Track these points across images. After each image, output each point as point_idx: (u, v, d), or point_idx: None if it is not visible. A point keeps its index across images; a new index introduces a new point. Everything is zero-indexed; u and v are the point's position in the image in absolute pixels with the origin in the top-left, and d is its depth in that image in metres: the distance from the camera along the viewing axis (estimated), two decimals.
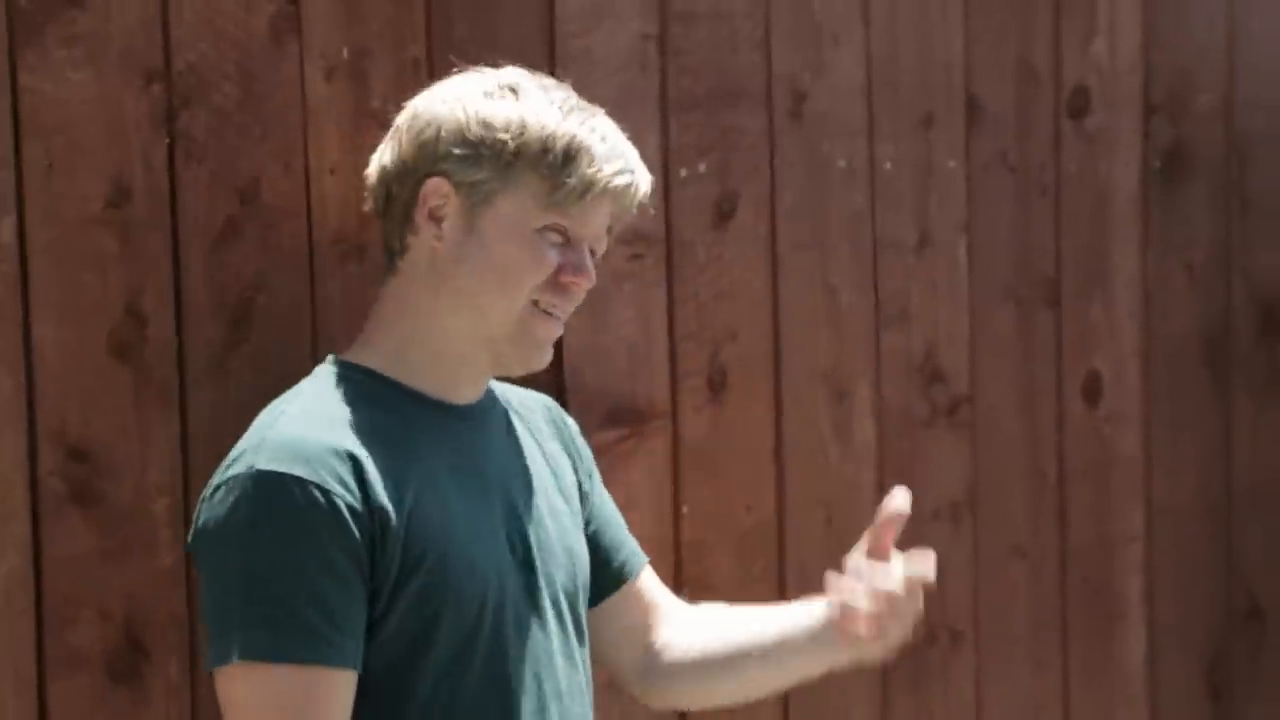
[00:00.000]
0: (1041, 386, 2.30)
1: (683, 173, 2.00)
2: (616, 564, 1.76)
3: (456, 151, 1.54)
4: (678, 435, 2.02)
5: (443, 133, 1.55)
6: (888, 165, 2.16)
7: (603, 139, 1.57)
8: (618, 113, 1.90)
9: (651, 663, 1.78)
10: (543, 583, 1.59)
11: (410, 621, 1.49)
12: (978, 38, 2.22)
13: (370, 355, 1.58)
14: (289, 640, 1.43)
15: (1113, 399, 2.35)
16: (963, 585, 2.22)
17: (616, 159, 1.57)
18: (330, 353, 1.70)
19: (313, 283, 1.75)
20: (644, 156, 1.89)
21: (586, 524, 1.73)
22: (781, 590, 2.09)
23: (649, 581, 1.81)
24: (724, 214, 2.06)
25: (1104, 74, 2.32)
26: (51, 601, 1.61)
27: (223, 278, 1.70)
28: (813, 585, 2.04)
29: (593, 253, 1.62)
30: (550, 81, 1.61)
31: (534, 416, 1.73)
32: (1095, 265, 2.33)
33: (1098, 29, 2.31)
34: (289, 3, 1.72)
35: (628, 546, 1.79)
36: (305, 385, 1.57)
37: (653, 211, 1.87)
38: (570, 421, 1.77)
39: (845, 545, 2.04)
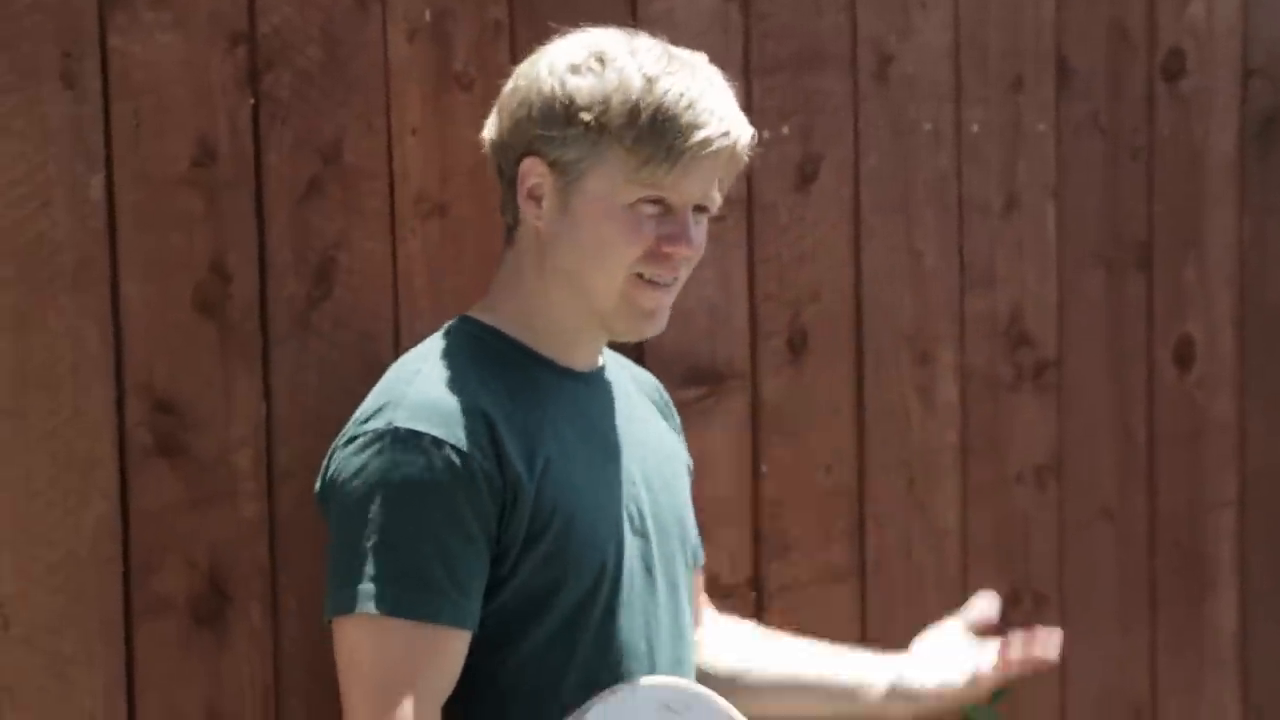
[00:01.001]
0: (1131, 351, 2.25)
1: (765, 135, 1.93)
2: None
3: (546, 131, 1.49)
4: (757, 395, 1.99)
5: (534, 111, 1.51)
6: (975, 128, 2.12)
7: (689, 104, 1.49)
8: None
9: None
10: (656, 553, 1.57)
11: (533, 583, 1.49)
12: (1072, 1, 2.17)
13: (497, 317, 1.56)
14: (412, 596, 1.43)
15: (1205, 364, 2.29)
16: (1047, 548, 2.19)
17: (704, 123, 1.49)
18: (410, 311, 1.69)
19: (394, 241, 1.73)
20: None
21: None
22: (861, 551, 2.06)
23: (699, 581, 1.78)
24: (806, 176, 2.01)
25: (1200, 36, 2.26)
26: (138, 549, 1.60)
27: (305, 236, 1.68)
28: (890, 547, 2.08)
29: (705, 210, 1.56)
30: (644, 42, 1.53)
31: (643, 387, 1.71)
32: (1189, 229, 2.27)
33: None
34: None
35: (695, 535, 1.75)
36: (438, 343, 1.54)
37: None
38: (672, 403, 1.77)
39: (925, 508, 2.10)
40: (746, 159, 1.59)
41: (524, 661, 1.50)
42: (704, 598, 1.81)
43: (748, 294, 2.00)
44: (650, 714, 1.47)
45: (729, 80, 1.79)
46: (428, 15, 1.72)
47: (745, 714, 1.69)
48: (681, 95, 1.49)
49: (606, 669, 1.53)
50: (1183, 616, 2.35)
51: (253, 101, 1.64)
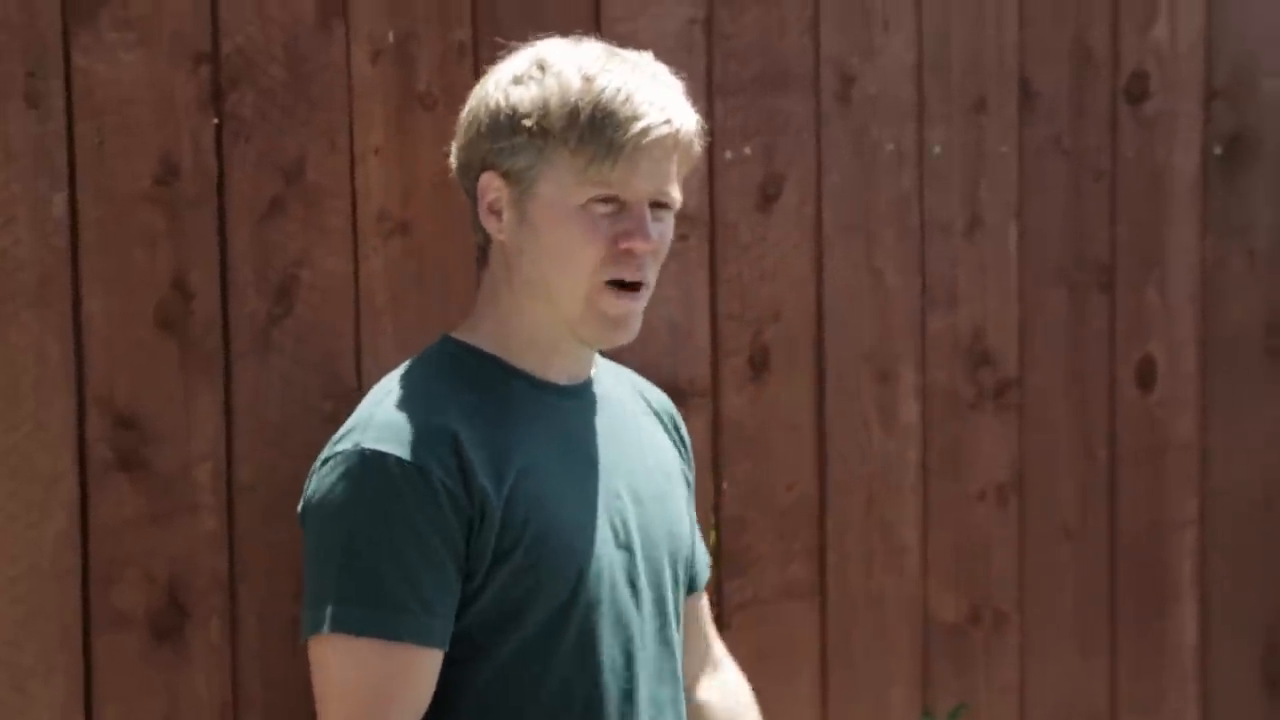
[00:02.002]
0: (1093, 370, 2.25)
1: (728, 155, 1.96)
2: (690, 573, 1.73)
3: (495, 144, 1.50)
4: (719, 413, 1.99)
5: (483, 127, 1.52)
6: (937, 149, 2.12)
7: (627, 98, 1.49)
8: None
9: (690, 711, 1.73)
10: (641, 566, 1.57)
11: (504, 598, 1.49)
12: (1032, 20, 2.17)
13: (476, 335, 1.56)
14: (379, 617, 1.43)
15: (1167, 384, 2.29)
16: (1008, 566, 2.19)
17: (643, 114, 1.49)
18: (371, 328, 1.71)
19: (356, 259, 1.74)
20: None
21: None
22: (821, 569, 2.06)
23: (705, 607, 1.78)
24: (769, 196, 2.02)
25: (1164, 58, 2.25)
26: (97, 562, 1.62)
27: (267, 254, 1.69)
28: (851, 565, 2.08)
29: (665, 206, 1.55)
30: (587, 46, 1.54)
31: (647, 400, 1.71)
32: (1151, 250, 2.27)
33: (1158, 12, 2.25)
34: None
35: (701, 559, 1.74)
36: (414, 364, 1.55)
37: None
38: (683, 424, 1.76)
39: (886, 526, 2.10)
40: (699, 150, 1.57)
41: (500, 673, 1.50)
42: (712, 630, 1.79)
43: (709, 312, 2.00)
44: None
45: (692, 98, 1.80)
46: (391, 36, 1.74)
47: None
48: (619, 90, 1.49)
49: (585, 682, 1.53)
50: (1143, 634, 2.33)
51: (216, 120, 1.66)
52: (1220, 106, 2.31)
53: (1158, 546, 2.31)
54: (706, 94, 1.95)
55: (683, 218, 1.86)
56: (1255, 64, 2.33)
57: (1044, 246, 2.21)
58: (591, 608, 1.52)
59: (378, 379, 1.67)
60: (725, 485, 2.00)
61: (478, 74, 1.77)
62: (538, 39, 1.58)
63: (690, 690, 1.73)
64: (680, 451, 1.75)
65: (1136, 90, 2.25)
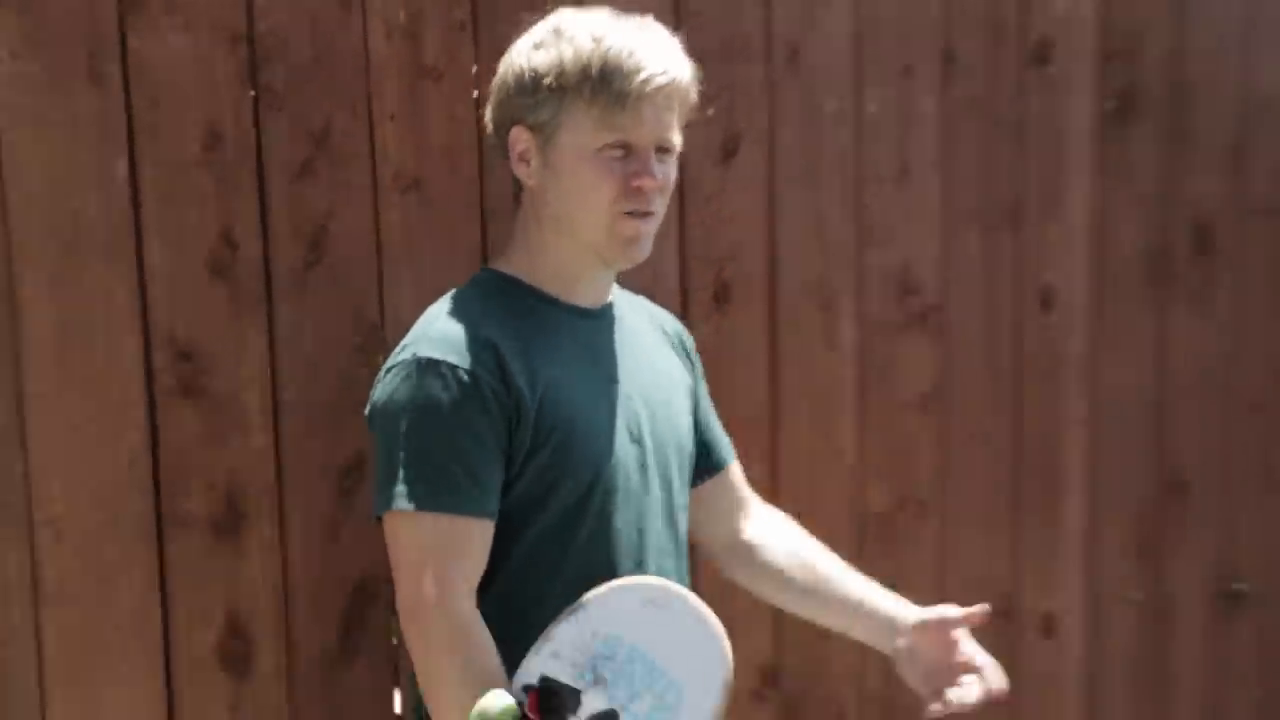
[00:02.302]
0: (1002, 297, 2.24)
1: (692, 116, 1.91)
2: (712, 455, 1.77)
3: (522, 101, 1.52)
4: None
5: (510, 88, 1.54)
6: (872, 108, 2.10)
7: (630, 53, 1.50)
8: None
9: (743, 552, 1.79)
10: (651, 456, 1.60)
11: (536, 482, 1.51)
12: None
13: (511, 266, 1.59)
14: (438, 493, 1.46)
15: (1064, 307, 2.28)
16: (929, 463, 2.20)
17: (645, 66, 1.50)
18: (391, 272, 1.74)
19: (376, 212, 1.76)
20: None
21: (699, 417, 1.74)
22: (774, 466, 2.07)
23: (737, 476, 1.81)
24: (728, 152, 2.01)
25: (1064, 27, 2.22)
26: (166, 474, 1.66)
27: (301, 208, 1.71)
28: (798, 463, 2.10)
29: (667, 150, 1.56)
30: (595, 12, 1.55)
31: (657, 323, 1.73)
32: (1052, 193, 2.25)
33: None
34: None
35: (721, 443, 1.79)
36: (460, 291, 1.58)
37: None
38: (690, 341, 1.78)
39: (827, 431, 2.13)
40: (695, 98, 1.57)
41: (533, 545, 1.53)
42: (748, 489, 1.82)
43: (679, 254, 1.99)
44: (636, 607, 1.46)
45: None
46: (402, 17, 1.73)
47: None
48: (624, 48, 1.50)
49: (603, 549, 1.56)
50: (1039, 518, 2.34)
51: (253, 93, 1.67)
52: (1111, 68, 2.27)
53: (1053, 444, 2.31)
54: None
55: None
56: (1141, 32, 2.29)
57: (961, 192, 2.19)
58: (609, 493, 1.55)
59: (398, 315, 1.73)
60: None
61: (477, 49, 1.80)
62: (531, 18, 1.57)
63: (735, 539, 1.80)
64: (688, 366, 1.77)
65: (1041, 55, 2.22)
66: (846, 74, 2.09)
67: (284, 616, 1.72)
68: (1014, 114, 2.21)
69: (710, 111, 1.92)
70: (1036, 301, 2.27)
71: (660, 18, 1.88)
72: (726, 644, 1.44)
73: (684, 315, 1.97)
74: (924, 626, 1.66)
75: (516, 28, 1.58)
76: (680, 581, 1.64)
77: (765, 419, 2.08)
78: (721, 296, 2.04)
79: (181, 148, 1.63)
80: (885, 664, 2.12)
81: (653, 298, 1.91)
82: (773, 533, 1.81)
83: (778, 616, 2.04)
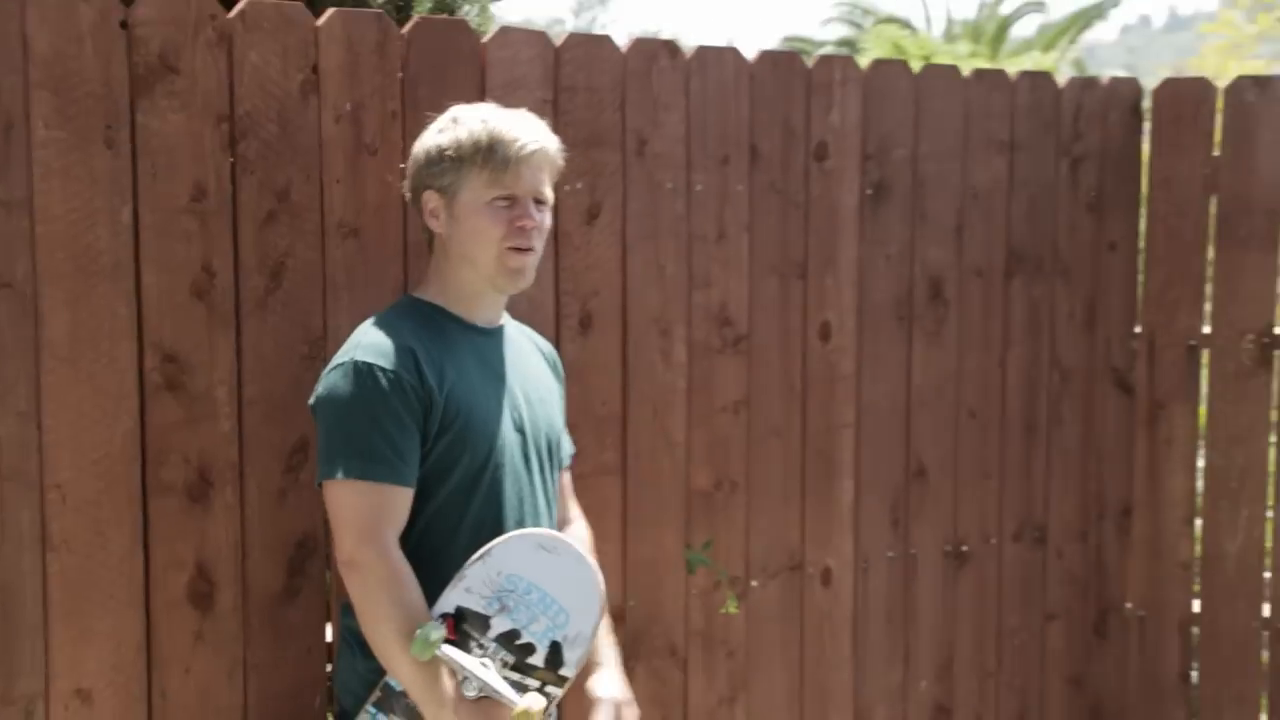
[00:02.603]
0: (793, 329, 2.33)
1: (566, 188, 2.02)
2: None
3: (430, 171, 1.61)
4: (560, 356, 1.99)
5: (421, 163, 1.63)
6: (699, 187, 2.18)
7: (510, 129, 1.59)
8: None
9: None
10: (530, 442, 1.66)
11: (443, 457, 1.56)
12: (758, 107, 2.24)
13: (427, 293, 1.66)
14: (370, 466, 1.51)
15: (837, 338, 2.39)
16: (739, 453, 2.27)
17: (521, 138, 1.59)
18: (332, 298, 1.78)
19: (324, 253, 1.80)
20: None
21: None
22: (623, 456, 2.13)
23: (566, 480, 1.82)
24: (592, 215, 2.07)
25: (837, 134, 2.34)
26: (151, 450, 1.69)
27: (265, 249, 1.76)
28: (642, 453, 2.16)
29: (543, 201, 1.62)
30: (485, 105, 1.65)
31: (538, 347, 1.80)
32: (828, 254, 2.36)
33: (833, 105, 2.34)
34: (313, 72, 1.77)
35: (566, 448, 1.81)
36: (387, 311, 1.64)
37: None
38: (559, 360, 1.83)
39: (665, 429, 2.19)
40: (561, 164, 1.65)
41: (438, 509, 1.58)
42: (571, 497, 1.82)
43: (554, 290, 2.04)
44: (531, 552, 1.52)
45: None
46: (348, 106, 1.80)
47: None
48: (506, 127, 1.60)
49: (492, 515, 1.61)
50: (820, 496, 2.39)
51: (231, 160, 1.72)
52: (870, 165, 2.39)
53: (830, 440, 2.38)
54: None
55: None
56: (890, 140, 2.41)
57: (764, 250, 2.27)
58: (498, 468, 1.61)
59: (337, 331, 1.77)
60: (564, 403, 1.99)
61: (404, 131, 1.86)
62: (442, 109, 1.67)
63: (562, 529, 1.80)
64: (558, 379, 1.82)
65: (820, 153, 2.33)
66: (680, 160, 2.16)
67: (241, 564, 1.75)
68: (801, 195, 2.31)
69: (579, 185, 2.05)
70: (818, 334, 2.36)
71: (542, 114, 1.90)
72: (600, 577, 1.54)
73: (557, 336, 2.04)
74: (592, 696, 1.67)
75: (432, 118, 1.67)
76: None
77: (618, 417, 2.13)
78: (586, 323, 2.08)
79: (174, 199, 1.67)
80: (706, 608, 2.28)
81: (534, 322, 1.98)
82: (573, 522, 1.81)
83: (625, 570, 2.16)
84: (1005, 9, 16.22)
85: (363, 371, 1.53)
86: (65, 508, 1.62)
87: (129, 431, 1.65)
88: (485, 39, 1.96)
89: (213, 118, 1.69)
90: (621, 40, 2.11)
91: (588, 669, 1.70)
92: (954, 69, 2.54)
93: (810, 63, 2.32)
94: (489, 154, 1.58)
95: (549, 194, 1.65)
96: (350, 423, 1.53)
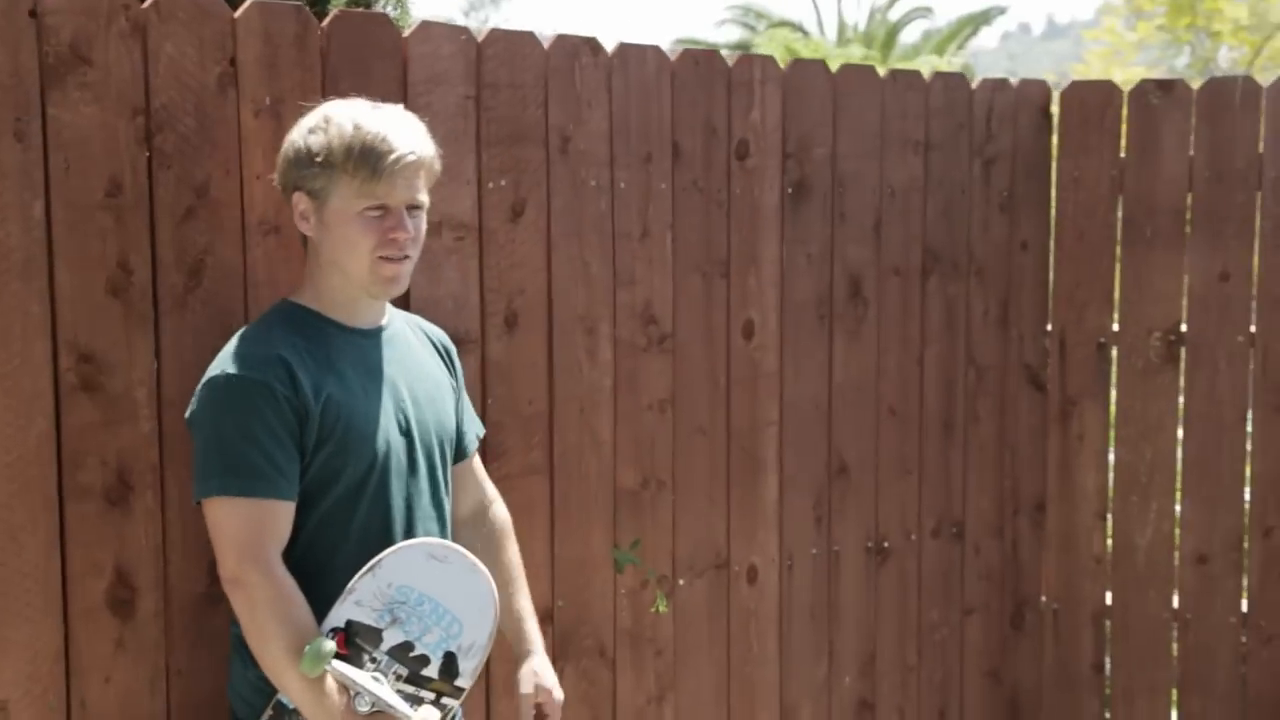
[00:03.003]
0: (717, 327, 2.39)
1: (490, 185, 2.06)
2: (459, 446, 1.80)
3: (300, 172, 1.60)
4: (485, 354, 2.08)
5: (291, 162, 1.62)
6: (622, 185, 2.23)
7: (384, 138, 1.55)
8: (448, 145, 1.95)
9: (466, 530, 1.81)
10: (418, 446, 1.67)
11: (324, 468, 1.58)
12: (680, 105, 2.30)
13: (303, 297, 1.67)
14: (245, 481, 1.51)
15: (760, 336, 2.45)
16: (665, 452, 2.33)
17: (395, 148, 1.55)
18: (254, 296, 1.78)
19: (244, 250, 1.81)
20: (464, 176, 2.01)
21: (456, 412, 1.79)
22: (550, 455, 2.17)
23: (477, 468, 1.84)
24: (517, 213, 2.11)
25: (758, 132, 2.41)
26: (68, 453, 1.68)
27: (184, 246, 1.76)
28: (569, 452, 2.19)
29: (418, 208, 1.60)
30: (358, 103, 1.63)
31: (428, 340, 1.80)
32: (751, 252, 2.43)
33: (754, 104, 2.41)
34: (230, 65, 1.78)
35: (468, 438, 1.82)
36: (262, 317, 1.64)
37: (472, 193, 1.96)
38: (453, 347, 1.84)
39: (591, 427, 2.23)
40: (438, 169, 1.63)
41: (322, 518, 1.59)
42: (485, 478, 1.83)
43: (479, 287, 2.06)
44: (422, 562, 1.53)
45: (465, 148, 1.89)
46: (268, 100, 1.81)
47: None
48: (378, 132, 1.56)
49: (378, 522, 1.61)
50: (745, 493, 2.45)
51: (148, 154, 1.71)
52: (790, 163, 2.45)
53: (754, 438, 2.44)
54: (476, 145, 2.04)
55: (460, 225, 2.03)
56: (810, 139, 2.49)
57: (687, 249, 2.32)
58: (384, 474, 1.61)
59: None
60: (489, 401, 2.09)
61: None
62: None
63: (476, 519, 1.84)
64: (449, 370, 1.80)
65: (742, 151, 2.38)
66: (604, 158, 2.20)
67: (163, 569, 1.75)
68: (724, 194, 2.38)
69: (503, 182, 2.08)
70: (741, 332, 2.43)
71: (467, 110, 2.00)
72: (493, 585, 1.55)
73: (482, 334, 2.06)
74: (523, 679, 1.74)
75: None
76: (447, 535, 1.70)
77: (545, 416, 2.16)
78: (511, 321, 2.11)
79: (88, 194, 1.67)
80: (634, 607, 2.36)
81: (459, 321, 2.01)
82: (484, 530, 1.83)
83: (553, 569, 2.21)
84: (894, 15, 16.77)
85: (233, 385, 1.53)
86: None
87: (44, 434, 1.65)
88: (406, 34, 1.99)
89: (128, 110, 1.69)
90: (544, 37, 2.14)
91: (518, 656, 1.75)
92: (871, 69, 2.65)
93: (731, 61, 2.39)
94: (360, 163, 1.56)
95: (424, 199, 1.63)
96: (224, 438, 1.53)
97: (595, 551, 2.28)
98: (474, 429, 1.86)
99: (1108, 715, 3.03)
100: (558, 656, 2.23)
